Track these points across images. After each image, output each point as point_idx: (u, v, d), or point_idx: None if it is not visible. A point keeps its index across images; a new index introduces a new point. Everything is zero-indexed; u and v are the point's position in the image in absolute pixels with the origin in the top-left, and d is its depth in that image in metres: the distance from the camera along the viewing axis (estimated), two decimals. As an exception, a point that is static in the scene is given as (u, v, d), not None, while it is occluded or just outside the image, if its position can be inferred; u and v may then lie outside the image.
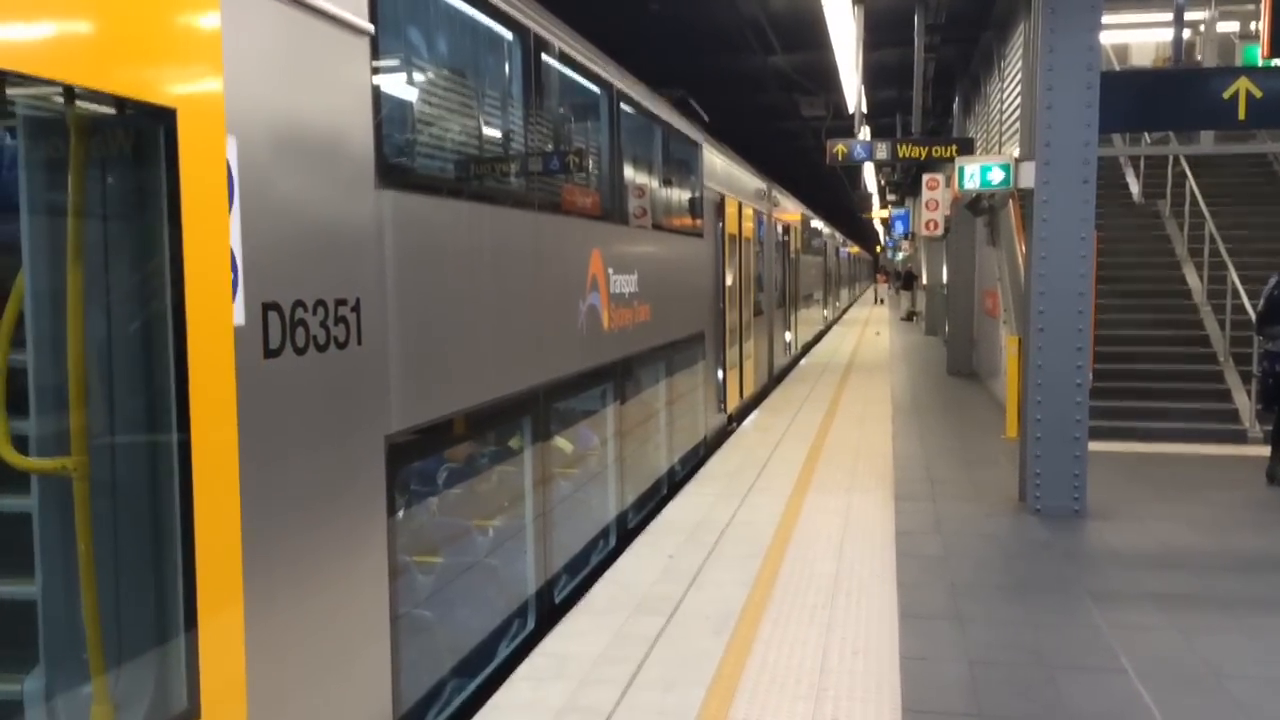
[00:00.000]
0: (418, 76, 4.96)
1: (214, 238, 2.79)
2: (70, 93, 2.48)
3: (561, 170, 6.61)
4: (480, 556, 5.84)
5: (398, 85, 4.64)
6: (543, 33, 6.05)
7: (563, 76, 6.71)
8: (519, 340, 5.66)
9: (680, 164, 10.45)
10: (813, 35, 15.98)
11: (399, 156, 4.54)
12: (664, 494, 9.36)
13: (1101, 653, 5.25)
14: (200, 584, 2.80)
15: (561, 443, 6.82)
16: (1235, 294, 11.89)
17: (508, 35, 5.71)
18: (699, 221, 10.98)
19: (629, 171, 8.40)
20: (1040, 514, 8.04)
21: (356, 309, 3.72)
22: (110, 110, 2.56)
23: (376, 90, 3.97)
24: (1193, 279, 13.51)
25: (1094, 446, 8.31)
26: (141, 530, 2.72)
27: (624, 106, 8.06)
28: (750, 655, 5.13)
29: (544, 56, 6.13)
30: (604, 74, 7.54)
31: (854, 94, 17.07)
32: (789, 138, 28.41)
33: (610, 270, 7.44)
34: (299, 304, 3.37)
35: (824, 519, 7.80)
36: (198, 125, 2.72)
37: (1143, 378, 11.87)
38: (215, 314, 2.82)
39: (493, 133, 5.84)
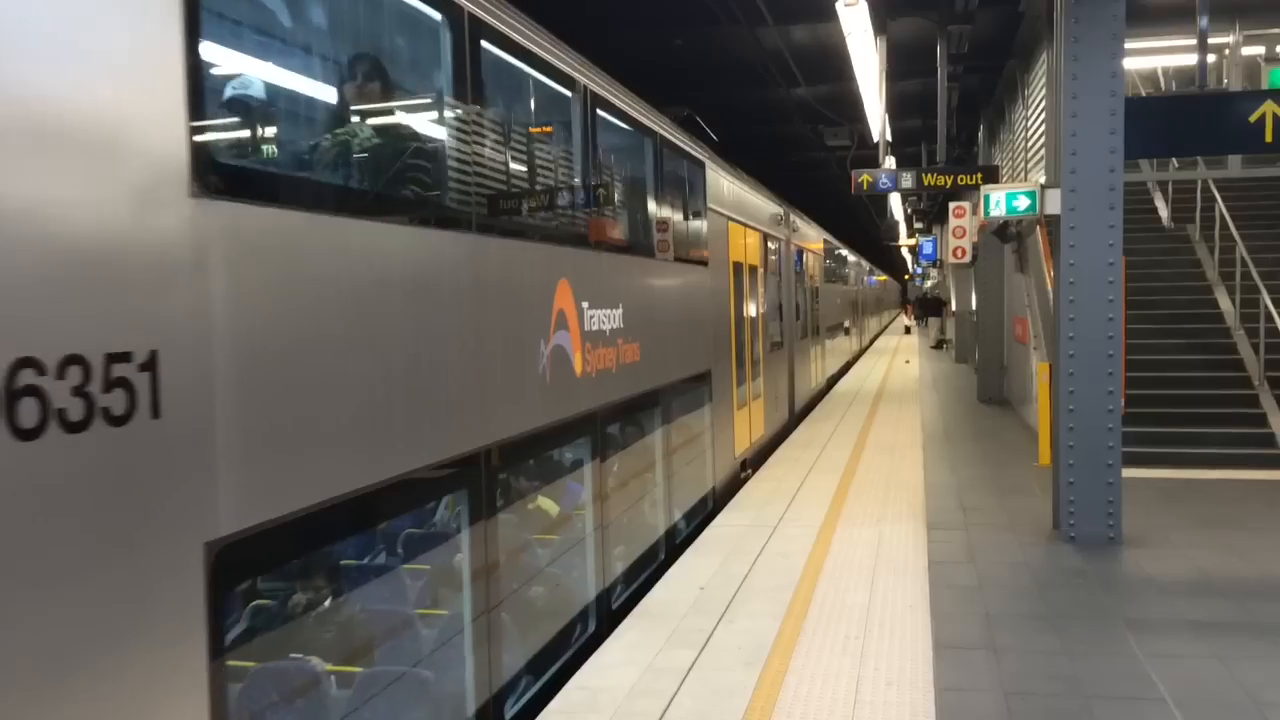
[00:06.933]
0: (271, 34, 3.79)
1: None
2: None
3: (508, 182, 5.46)
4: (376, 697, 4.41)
5: (236, 46, 3.51)
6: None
7: (498, 61, 5.28)
8: (447, 394, 4.44)
9: (677, 183, 9.30)
10: (835, 67, 16.10)
11: (237, 152, 3.53)
12: (661, 558, 8.19)
13: (1139, 682, 5.18)
14: None
15: (512, 518, 5.61)
16: (1269, 317, 11.79)
17: None
18: (702, 248, 9.93)
19: (606, 187, 7.22)
20: (1075, 542, 7.96)
21: (150, 367, 2.70)
22: None
23: (194, 55, 2.90)
24: (1225, 302, 13.40)
25: (1128, 473, 8.24)
26: None
27: (599, 111, 6.83)
28: (783, 687, 5.11)
29: (479, 38, 4.90)
30: (566, 66, 6.20)
31: (878, 124, 17.13)
32: (814, 168, 28.50)
33: (583, 304, 6.26)
34: (24, 363, 2.35)
35: (855, 549, 7.76)
36: None
37: (1176, 403, 11.75)
38: None
39: (402, 124, 4.60)
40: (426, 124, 4.77)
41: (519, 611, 5.53)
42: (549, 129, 6.49)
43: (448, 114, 4.71)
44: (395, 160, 4.41)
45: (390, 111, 4.45)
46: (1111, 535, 7.96)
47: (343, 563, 4.38)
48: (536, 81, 5.95)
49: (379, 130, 4.30)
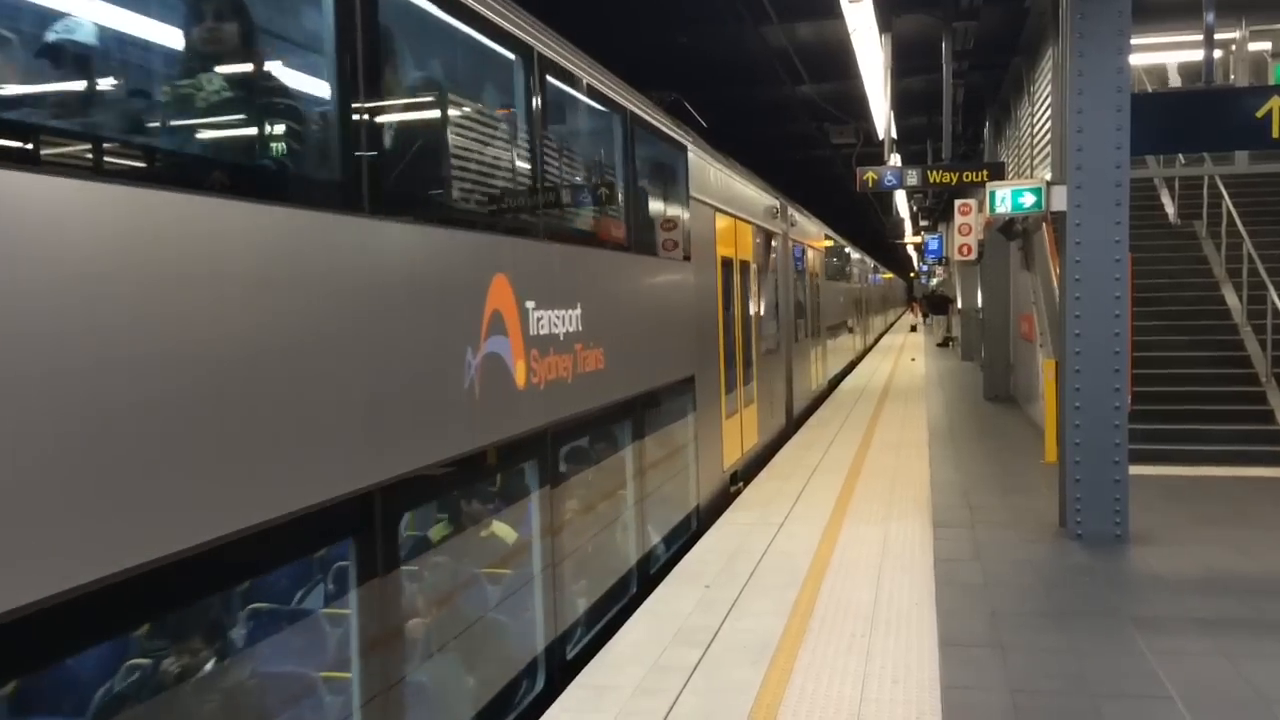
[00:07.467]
0: None
1: None
2: None
3: (419, 158, 4.47)
4: None
5: None
6: None
7: (408, 6, 4.40)
8: (315, 422, 3.46)
9: (651, 167, 8.32)
10: (840, 64, 16.08)
11: None
12: (633, 592, 7.30)
13: (1146, 680, 5.17)
14: None
15: (424, 565, 4.78)
16: (1276, 314, 11.75)
17: None
18: (683, 241, 8.97)
19: (557, 169, 6.12)
20: (1081, 539, 7.95)
21: None
22: None
23: None
24: (1232, 299, 13.36)
25: (1134, 470, 8.22)
26: None
27: (550, 78, 5.85)
28: (789, 685, 5.11)
29: None
30: (505, 21, 5.19)
31: (883, 121, 17.10)
32: (820, 166, 28.46)
33: (528, 304, 5.31)
34: None
35: (861, 547, 7.75)
36: None
37: (1183, 400, 11.71)
38: None
39: (266, 76, 3.67)
40: (307, 80, 3.84)
41: (433, 680, 4.62)
42: (482, 95, 5.47)
43: (338, 68, 3.72)
44: (253, 122, 3.58)
45: (251, 59, 3.52)
46: (1118, 533, 7.94)
47: (162, 654, 3.27)
48: (465, 36, 4.95)
49: (230, 80, 3.37)
